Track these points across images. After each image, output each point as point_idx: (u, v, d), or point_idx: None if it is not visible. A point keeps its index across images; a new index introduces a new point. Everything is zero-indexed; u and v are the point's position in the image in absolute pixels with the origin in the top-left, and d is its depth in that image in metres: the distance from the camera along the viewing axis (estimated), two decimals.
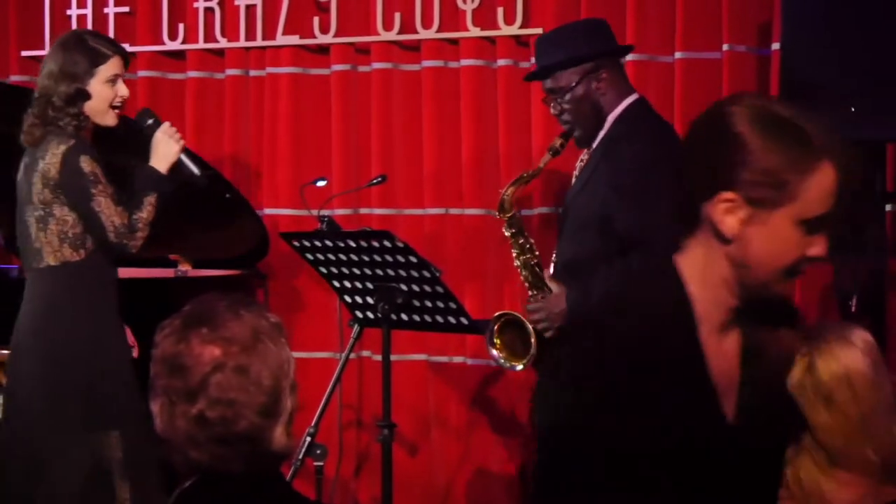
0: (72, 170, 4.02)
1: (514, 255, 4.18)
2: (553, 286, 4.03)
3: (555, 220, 4.79)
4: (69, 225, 4.06)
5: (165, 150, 4.17)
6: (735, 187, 1.97)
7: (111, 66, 4.14)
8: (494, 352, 4.15)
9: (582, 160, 4.15)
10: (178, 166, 4.17)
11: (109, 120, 4.18)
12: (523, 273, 4.14)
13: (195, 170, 4.23)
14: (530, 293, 4.11)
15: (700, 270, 2.07)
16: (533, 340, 4.01)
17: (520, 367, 4.10)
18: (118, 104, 4.17)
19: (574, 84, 4.00)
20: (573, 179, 4.18)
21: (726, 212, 1.99)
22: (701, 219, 2.03)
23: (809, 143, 1.96)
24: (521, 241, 4.15)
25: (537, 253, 4.16)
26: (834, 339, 2.48)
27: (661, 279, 2.12)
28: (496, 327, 4.14)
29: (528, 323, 4.03)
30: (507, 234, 4.20)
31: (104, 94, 4.13)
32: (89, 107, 4.12)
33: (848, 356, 2.46)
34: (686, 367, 2.07)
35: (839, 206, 1.99)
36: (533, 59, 5.00)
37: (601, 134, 4.02)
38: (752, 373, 2.12)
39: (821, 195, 1.96)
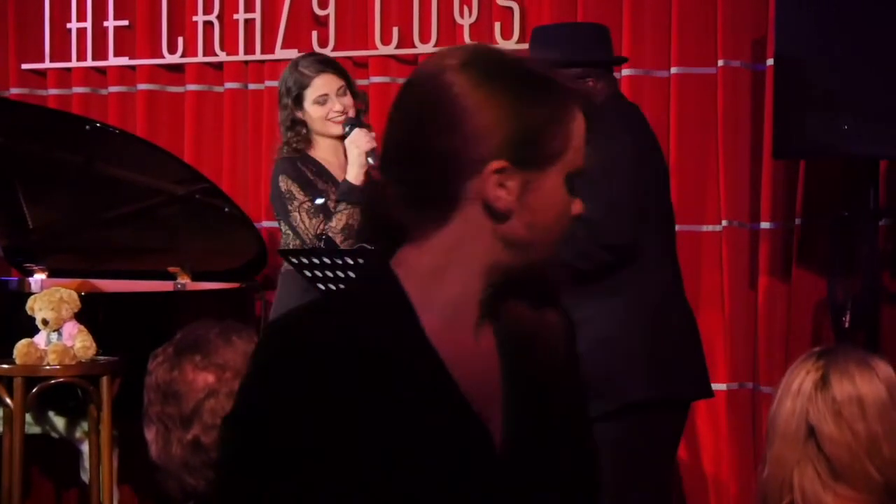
0: (274, 189, 4.47)
1: None
2: None
3: None
4: (290, 238, 4.46)
5: (351, 157, 4.43)
6: (500, 154, 1.64)
7: (316, 88, 4.45)
8: None
9: None
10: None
11: (333, 131, 4.49)
12: None
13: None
14: None
15: (451, 261, 1.68)
16: None
17: None
18: (334, 117, 4.46)
19: None
20: None
21: (498, 184, 1.65)
22: (457, 200, 1.66)
23: (560, 90, 1.69)
24: None
25: None
26: (854, 362, 2.43)
27: (372, 284, 1.76)
28: None
29: None
30: None
31: (316, 113, 4.46)
32: (310, 127, 4.49)
33: (864, 381, 2.41)
34: (420, 384, 1.65)
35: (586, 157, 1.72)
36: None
37: None
38: (513, 369, 1.72)
39: (579, 145, 1.70)
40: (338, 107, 4.46)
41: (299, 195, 4.41)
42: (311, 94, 4.45)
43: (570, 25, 4.40)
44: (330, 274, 4.19)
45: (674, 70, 4.92)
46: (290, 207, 4.41)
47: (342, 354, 1.62)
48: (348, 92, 4.52)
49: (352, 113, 4.49)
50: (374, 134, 4.45)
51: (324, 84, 4.46)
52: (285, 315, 1.71)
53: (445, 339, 1.67)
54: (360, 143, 4.41)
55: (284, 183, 4.42)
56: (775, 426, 2.43)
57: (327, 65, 4.53)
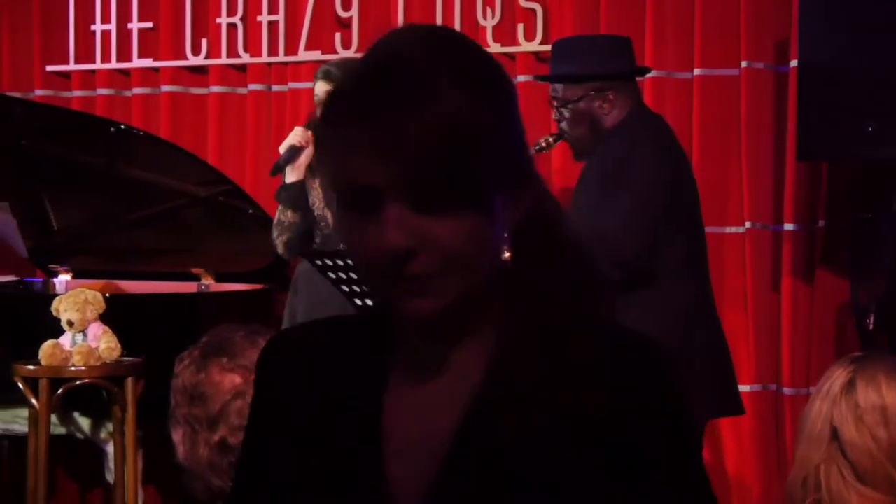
0: None
1: None
2: None
3: None
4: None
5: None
6: None
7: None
8: None
9: None
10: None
11: None
12: None
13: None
14: None
15: None
16: None
17: None
18: None
19: (577, 99, 3.99)
20: None
21: None
22: None
23: (336, 95, 1.40)
24: None
25: None
26: (883, 371, 2.42)
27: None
28: None
29: None
30: None
31: None
32: None
33: (891, 390, 2.39)
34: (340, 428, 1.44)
35: (366, 175, 1.32)
36: None
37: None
38: (479, 431, 1.37)
39: (336, 158, 1.37)
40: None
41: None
42: None
43: (589, 38, 4.38)
44: (354, 276, 4.19)
45: (697, 72, 4.92)
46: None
47: (298, 371, 1.49)
48: None
49: None
50: (303, 134, 4.57)
51: (316, 91, 4.58)
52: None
53: (397, 382, 1.44)
54: (287, 139, 4.61)
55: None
56: (804, 426, 2.44)
57: (318, 72, 4.62)
